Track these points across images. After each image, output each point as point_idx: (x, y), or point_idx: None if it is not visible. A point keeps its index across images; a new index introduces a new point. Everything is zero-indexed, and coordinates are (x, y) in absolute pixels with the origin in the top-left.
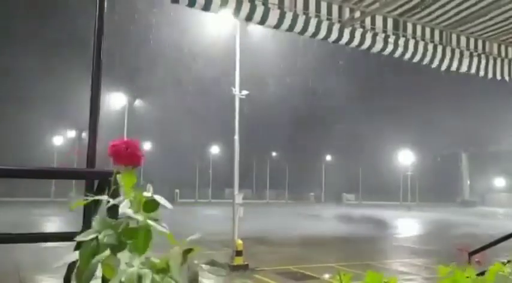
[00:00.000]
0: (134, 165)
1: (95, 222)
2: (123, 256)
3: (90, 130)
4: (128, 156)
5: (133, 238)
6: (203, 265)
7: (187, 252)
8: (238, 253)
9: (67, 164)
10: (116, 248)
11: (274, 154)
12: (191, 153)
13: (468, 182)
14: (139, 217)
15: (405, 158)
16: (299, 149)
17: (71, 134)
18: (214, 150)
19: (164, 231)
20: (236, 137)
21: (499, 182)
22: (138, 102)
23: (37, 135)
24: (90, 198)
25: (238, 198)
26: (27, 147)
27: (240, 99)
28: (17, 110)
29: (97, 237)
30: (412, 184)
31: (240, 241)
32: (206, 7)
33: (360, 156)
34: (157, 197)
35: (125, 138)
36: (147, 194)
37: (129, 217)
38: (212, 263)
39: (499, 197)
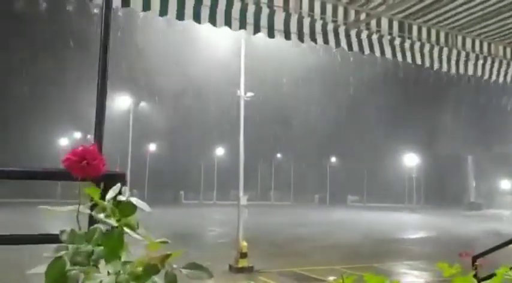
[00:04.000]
0: (94, 175)
1: (64, 235)
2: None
3: (95, 131)
4: (84, 168)
5: (106, 245)
6: (182, 270)
7: (166, 256)
8: (243, 255)
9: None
10: (88, 260)
11: (279, 155)
12: (196, 155)
13: (474, 184)
14: (112, 222)
15: (410, 160)
16: (304, 151)
17: (77, 135)
18: (219, 151)
19: (137, 236)
20: (241, 139)
21: (505, 184)
22: (143, 105)
23: (41, 136)
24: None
25: (243, 200)
26: (31, 149)
27: (245, 101)
28: (21, 112)
29: (66, 253)
30: (417, 186)
31: (244, 243)
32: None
33: (364, 158)
34: (134, 200)
35: (84, 146)
36: (122, 198)
37: (102, 224)
38: (193, 267)
39: (505, 200)
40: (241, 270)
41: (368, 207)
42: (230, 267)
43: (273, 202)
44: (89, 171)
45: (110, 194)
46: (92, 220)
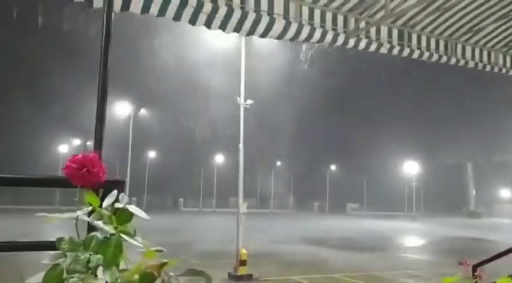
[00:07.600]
0: (94, 183)
1: (63, 243)
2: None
3: (95, 138)
4: (85, 175)
5: (105, 252)
6: (179, 277)
7: (162, 264)
8: (242, 263)
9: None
10: (86, 268)
11: (278, 163)
12: (196, 162)
13: (474, 193)
14: (109, 228)
15: (410, 168)
16: (304, 158)
17: (76, 142)
18: (219, 159)
19: (136, 243)
20: (241, 146)
21: (505, 193)
22: (143, 112)
23: (40, 142)
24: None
25: (243, 207)
26: (33, 154)
27: (245, 108)
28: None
29: (63, 261)
30: (417, 194)
31: (244, 251)
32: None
33: (364, 166)
34: (132, 208)
35: (84, 154)
36: (119, 205)
37: (100, 231)
38: (191, 273)
39: (504, 208)
40: (240, 277)
41: (368, 215)
42: (229, 274)
43: (272, 210)
44: (89, 179)
45: (107, 201)
46: (91, 228)
